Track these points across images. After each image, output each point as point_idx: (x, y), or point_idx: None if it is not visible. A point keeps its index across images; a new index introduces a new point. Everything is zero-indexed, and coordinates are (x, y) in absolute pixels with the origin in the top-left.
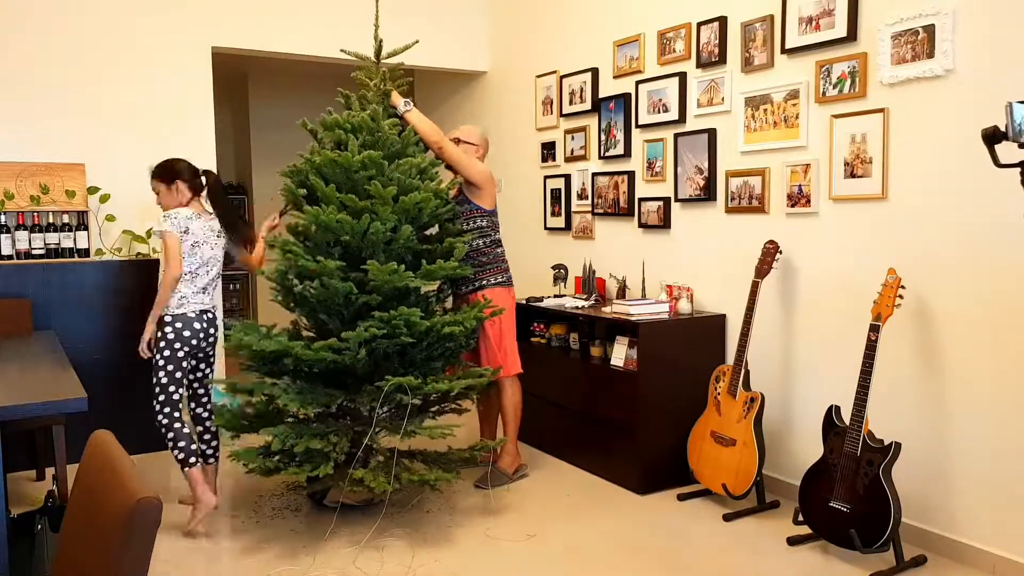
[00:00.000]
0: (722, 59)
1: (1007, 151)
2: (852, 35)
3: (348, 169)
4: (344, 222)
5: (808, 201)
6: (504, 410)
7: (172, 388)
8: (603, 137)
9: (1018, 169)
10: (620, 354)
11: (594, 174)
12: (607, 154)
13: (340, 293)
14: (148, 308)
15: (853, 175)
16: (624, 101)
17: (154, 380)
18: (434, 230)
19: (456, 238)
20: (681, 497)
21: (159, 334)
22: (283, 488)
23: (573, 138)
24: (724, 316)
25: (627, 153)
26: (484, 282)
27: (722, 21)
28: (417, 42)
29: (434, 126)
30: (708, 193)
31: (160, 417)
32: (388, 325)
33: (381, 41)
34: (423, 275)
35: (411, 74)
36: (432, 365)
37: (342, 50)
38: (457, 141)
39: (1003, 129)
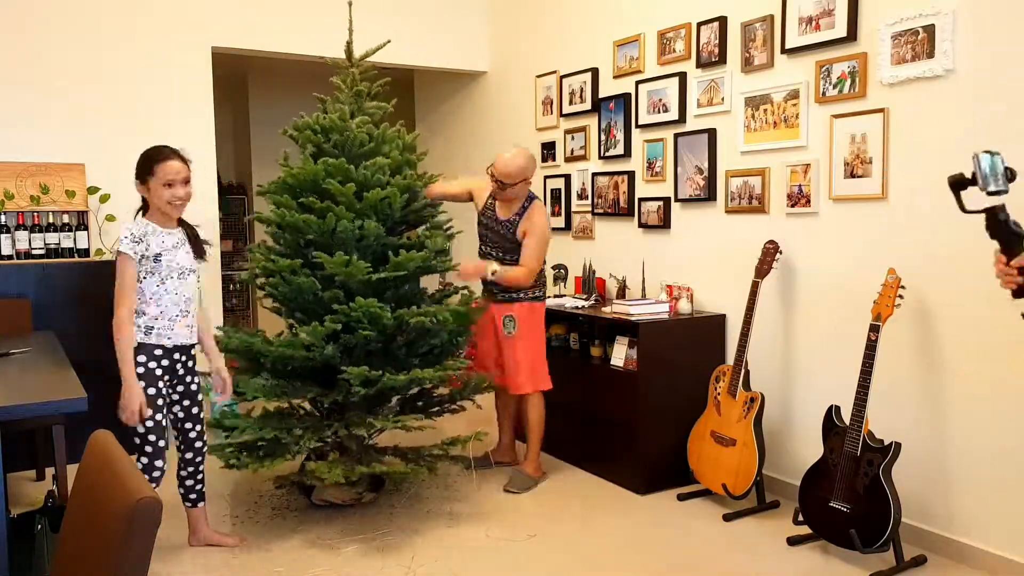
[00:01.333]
0: (722, 59)
1: (974, 197)
2: (852, 35)
3: (315, 180)
4: (310, 222)
5: (808, 201)
6: (529, 424)
7: None
8: (603, 137)
9: (983, 216)
10: (620, 354)
11: (594, 174)
12: (607, 154)
13: (306, 291)
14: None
15: (853, 175)
16: (624, 101)
17: None
18: (421, 230)
19: (435, 231)
20: (681, 497)
21: None
22: (282, 489)
23: (573, 138)
24: (724, 316)
25: (627, 153)
26: (521, 295)
27: (722, 21)
28: (389, 42)
29: (516, 270)
30: (708, 193)
31: None
32: (348, 318)
33: (350, 43)
34: (392, 267)
35: (411, 74)
36: (411, 362)
37: (324, 59)
38: (500, 184)
39: (970, 177)
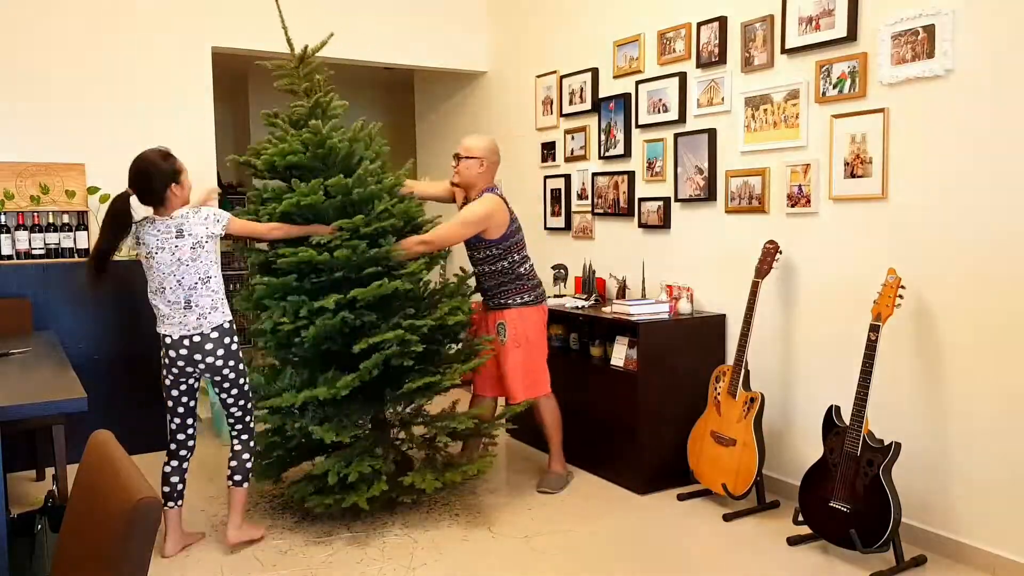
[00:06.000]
0: (722, 59)
1: None
2: (852, 35)
3: (316, 206)
4: (341, 257)
5: (808, 201)
6: (546, 427)
7: (168, 416)
8: (603, 137)
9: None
10: (620, 354)
11: (594, 174)
12: (607, 154)
13: (336, 329)
14: (147, 308)
15: (853, 175)
16: (624, 101)
17: None
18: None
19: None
20: (681, 497)
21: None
22: (284, 487)
23: (573, 138)
24: (724, 316)
25: (627, 153)
26: (510, 301)
27: (722, 21)
28: (332, 35)
29: (420, 238)
30: (708, 193)
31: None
32: (393, 339)
33: (307, 46)
34: (401, 274)
35: (411, 74)
36: (443, 345)
37: (258, 63)
38: (458, 157)
39: None
